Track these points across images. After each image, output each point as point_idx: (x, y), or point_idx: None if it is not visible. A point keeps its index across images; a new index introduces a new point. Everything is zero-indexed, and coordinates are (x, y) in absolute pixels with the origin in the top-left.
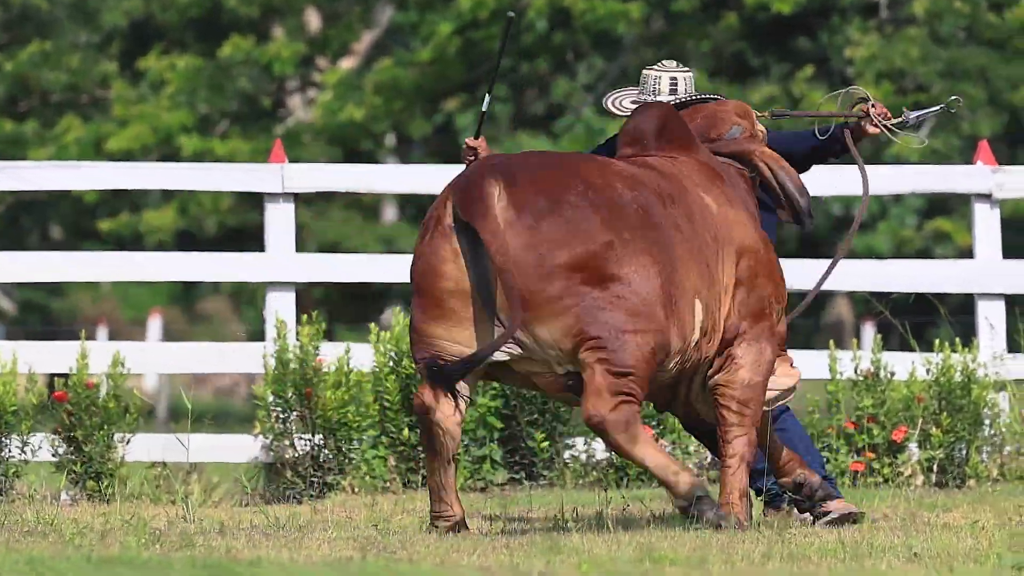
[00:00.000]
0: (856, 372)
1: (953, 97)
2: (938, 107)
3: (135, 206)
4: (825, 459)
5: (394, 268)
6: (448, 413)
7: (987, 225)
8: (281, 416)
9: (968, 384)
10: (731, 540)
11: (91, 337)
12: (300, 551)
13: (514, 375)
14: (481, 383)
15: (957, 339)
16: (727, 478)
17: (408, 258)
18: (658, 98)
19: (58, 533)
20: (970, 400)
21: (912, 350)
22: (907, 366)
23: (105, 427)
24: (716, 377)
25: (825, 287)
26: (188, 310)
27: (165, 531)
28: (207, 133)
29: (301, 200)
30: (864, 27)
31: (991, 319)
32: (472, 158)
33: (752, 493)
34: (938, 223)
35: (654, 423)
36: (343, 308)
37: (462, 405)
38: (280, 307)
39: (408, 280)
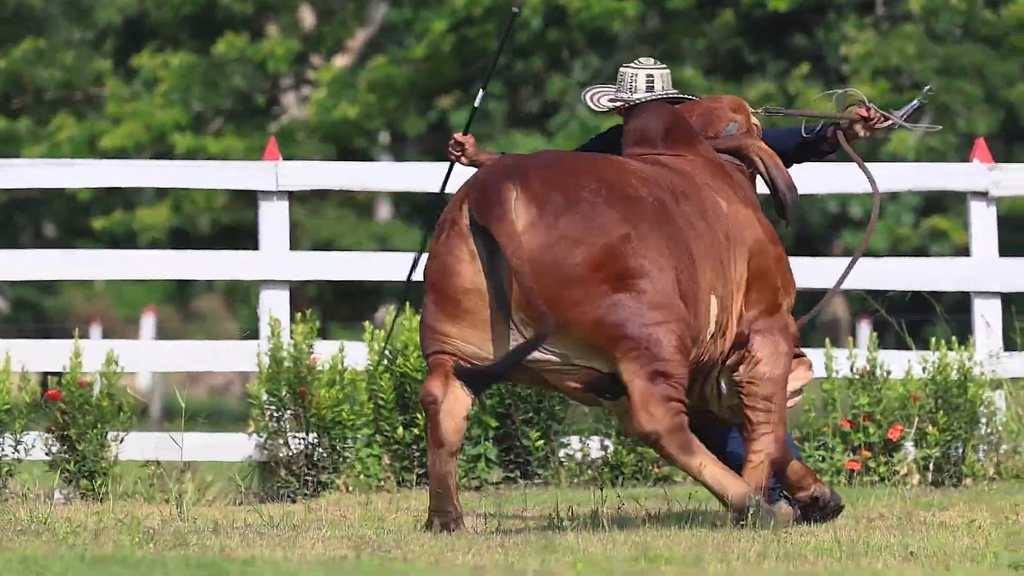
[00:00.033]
0: (852, 370)
1: (927, 88)
2: (916, 101)
3: (129, 204)
4: (821, 458)
5: (388, 266)
6: (455, 405)
7: (983, 223)
8: (275, 415)
9: (964, 382)
10: (727, 539)
11: (84, 335)
12: (294, 550)
13: (524, 373)
14: None
15: (953, 337)
16: (747, 472)
17: (402, 256)
18: (634, 96)
19: (52, 532)
20: (966, 398)
21: (908, 348)
22: (903, 364)
23: (99, 426)
24: (737, 374)
25: (818, 285)
26: (182, 308)
27: (159, 530)
28: (201, 131)
29: (295, 198)
30: (860, 24)
31: (987, 317)
32: (458, 153)
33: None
34: (934, 221)
35: None
36: (337, 306)
37: (470, 400)
38: (274, 305)
39: (403, 279)
